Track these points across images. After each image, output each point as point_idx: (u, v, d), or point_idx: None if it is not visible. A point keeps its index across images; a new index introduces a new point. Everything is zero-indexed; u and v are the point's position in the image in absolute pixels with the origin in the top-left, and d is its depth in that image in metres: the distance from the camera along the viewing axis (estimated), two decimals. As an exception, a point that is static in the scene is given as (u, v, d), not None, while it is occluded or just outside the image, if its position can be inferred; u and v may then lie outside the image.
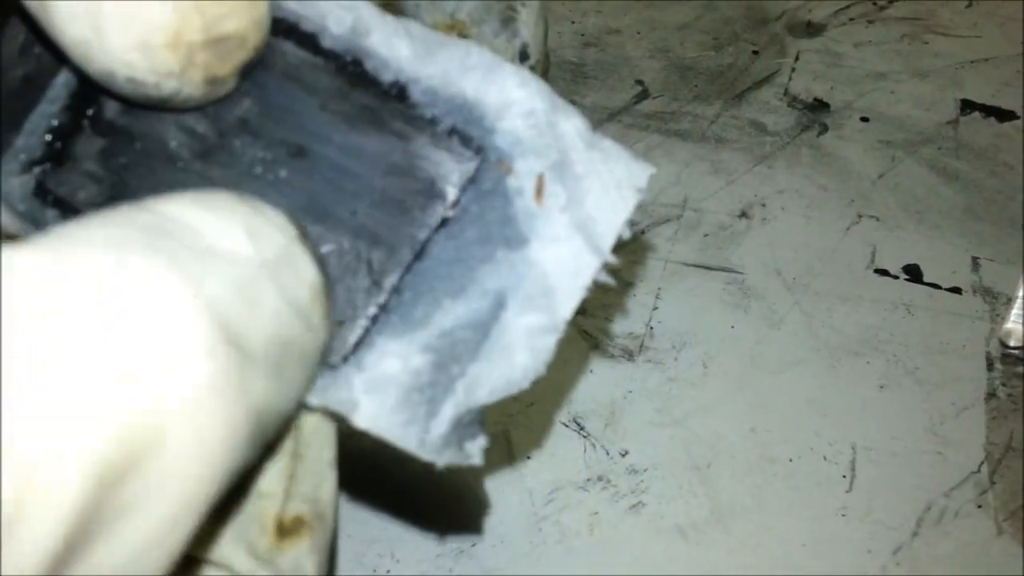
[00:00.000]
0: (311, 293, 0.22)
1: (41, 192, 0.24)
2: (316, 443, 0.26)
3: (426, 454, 0.24)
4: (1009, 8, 0.68)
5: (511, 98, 0.25)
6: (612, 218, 0.25)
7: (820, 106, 0.61)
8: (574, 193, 0.25)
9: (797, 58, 0.64)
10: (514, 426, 0.46)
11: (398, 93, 0.24)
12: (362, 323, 0.24)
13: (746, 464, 0.45)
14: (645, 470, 0.44)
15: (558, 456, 0.45)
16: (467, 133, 0.24)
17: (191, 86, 0.24)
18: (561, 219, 0.24)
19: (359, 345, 0.24)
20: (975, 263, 0.52)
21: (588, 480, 0.44)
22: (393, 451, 0.25)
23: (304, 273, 0.22)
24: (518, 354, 0.25)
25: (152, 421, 0.18)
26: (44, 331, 0.18)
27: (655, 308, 0.50)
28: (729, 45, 0.65)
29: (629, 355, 0.48)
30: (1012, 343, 0.49)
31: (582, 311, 0.50)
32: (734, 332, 0.49)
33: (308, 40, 0.25)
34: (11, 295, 0.18)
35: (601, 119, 0.60)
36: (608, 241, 0.25)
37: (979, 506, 0.43)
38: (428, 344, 0.24)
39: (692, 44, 0.65)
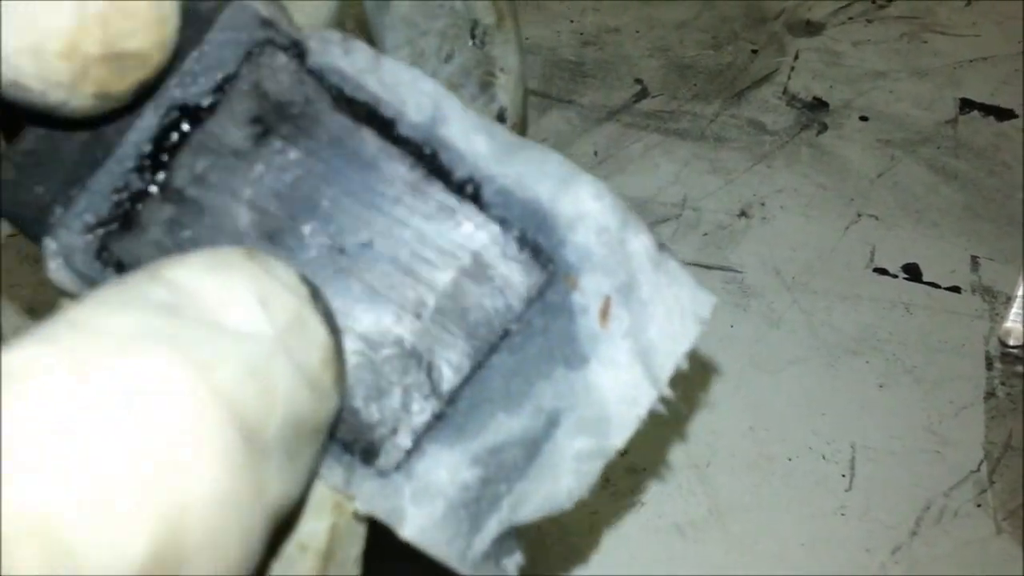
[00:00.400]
0: (323, 357, 0.21)
1: (104, 254, 0.24)
2: (349, 542, 0.25)
3: (465, 569, 0.23)
4: (1008, 7, 0.68)
5: (585, 210, 0.24)
6: (673, 348, 0.24)
7: (819, 105, 0.61)
8: (638, 318, 0.24)
9: (796, 57, 0.64)
10: (513, 425, 0.46)
11: (472, 191, 0.24)
12: (417, 431, 0.23)
13: (745, 463, 0.45)
14: (644, 469, 0.44)
15: (557, 455, 0.45)
16: (537, 242, 0.24)
17: (80, 99, 0.22)
18: (623, 344, 0.24)
19: (411, 453, 0.23)
20: (974, 262, 0.52)
21: (587, 479, 0.44)
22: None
23: (316, 336, 0.21)
24: (564, 476, 0.24)
25: (171, 538, 0.18)
26: (49, 442, 0.17)
27: (654, 307, 0.50)
28: (728, 44, 0.65)
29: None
30: (1011, 342, 0.49)
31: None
32: (733, 331, 0.49)
33: (386, 126, 0.24)
34: (11, 400, 0.17)
35: (600, 118, 0.60)
36: (667, 373, 0.24)
37: (978, 505, 0.43)
38: (478, 458, 0.23)
39: (691, 43, 0.65)
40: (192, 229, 0.24)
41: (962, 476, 0.44)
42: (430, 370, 0.24)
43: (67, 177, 0.24)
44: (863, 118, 0.60)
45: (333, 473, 0.23)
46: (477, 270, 0.24)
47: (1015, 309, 0.49)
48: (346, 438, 0.23)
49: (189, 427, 0.18)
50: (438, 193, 0.24)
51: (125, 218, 0.24)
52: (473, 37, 0.28)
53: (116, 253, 0.24)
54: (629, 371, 0.24)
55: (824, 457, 0.45)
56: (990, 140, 0.59)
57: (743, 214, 0.55)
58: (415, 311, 0.24)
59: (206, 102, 0.24)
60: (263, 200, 0.24)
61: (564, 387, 0.24)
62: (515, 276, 0.24)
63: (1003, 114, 0.61)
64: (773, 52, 0.65)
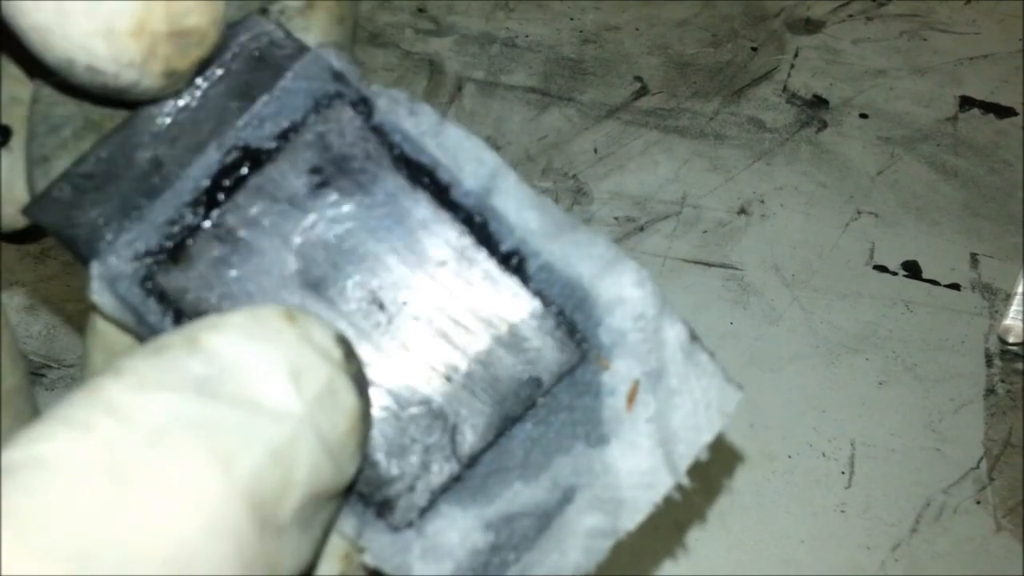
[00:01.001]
0: (349, 425, 0.21)
1: (148, 283, 0.24)
2: None
3: None
4: (1008, 5, 0.68)
5: (625, 295, 0.24)
6: (695, 439, 0.25)
7: (819, 103, 0.61)
8: (664, 406, 0.24)
9: (796, 55, 0.64)
10: (513, 423, 0.46)
11: (517, 263, 0.24)
12: (433, 491, 0.24)
13: (745, 461, 0.45)
14: (644, 467, 0.44)
15: (557, 453, 0.45)
16: (574, 321, 0.24)
17: (150, 78, 0.23)
18: (646, 429, 0.24)
19: (425, 512, 0.23)
20: (974, 259, 0.52)
21: (587, 477, 0.44)
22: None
23: (345, 404, 0.21)
24: (572, 551, 0.24)
25: None
26: (69, 527, 0.18)
27: (654, 305, 0.50)
28: (728, 42, 0.65)
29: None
30: (1011, 339, 0.49)
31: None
32: (733, 328, 0.49)
33: (441, 190, 0.24)
34: (47, 490, 0.18)
35: (600, 116, 0.60)
36: (686, 463, 0.24)
37: (978, 502, 0.43)
38: (491, 524, 0.24)
39: (691, 41, 0.65)
40: (239, 269, 0.24)
41: (962, 473, 0.44)
42: (454, 433, 0.24)
43: (123, 204, 0.24)
44: (863, 116, 0.60)
45: (347, 523, 0.23)
46: (512, 341, 0.24)
47: (1014, 306, 0.49)
48: (363, 490, 0.23)
49: (206, 519, 0.19)
50: (484, 262, 0.24)
51: (174, 251, 0.24)
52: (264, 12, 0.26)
53: (161, 283, 0.24)
54: (649, 456, 0.24)
55: (824, 454, 0.45)
56: (990, 138, 0.59)
57: (743, 211, 0.55)
58: (446, 374, 0.24)
59: (269, 147, 0.24)
60: (311, 249, 0.24)
61: (582, 464, 0.24)
62: (549, 351, 0.24)
63: (1003, 112, 0.61)
64: (773, 50, 0.65)
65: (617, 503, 0.24)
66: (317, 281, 0.24)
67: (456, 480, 0.24)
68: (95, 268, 0.24)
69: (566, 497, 0.24)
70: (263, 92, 0.24)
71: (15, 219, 0.26)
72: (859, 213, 0.55)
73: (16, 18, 0.23)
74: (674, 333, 0.24)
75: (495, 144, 0.58)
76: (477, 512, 0.24)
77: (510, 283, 0.24)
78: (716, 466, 0.44)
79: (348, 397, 0.22)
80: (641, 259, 0.52)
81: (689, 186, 0.56)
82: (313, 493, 0.21)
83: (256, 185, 0.24)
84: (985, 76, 0.63)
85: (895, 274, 0.52)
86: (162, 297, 0.24)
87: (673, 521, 0.43)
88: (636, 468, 0.24)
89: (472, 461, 0.24)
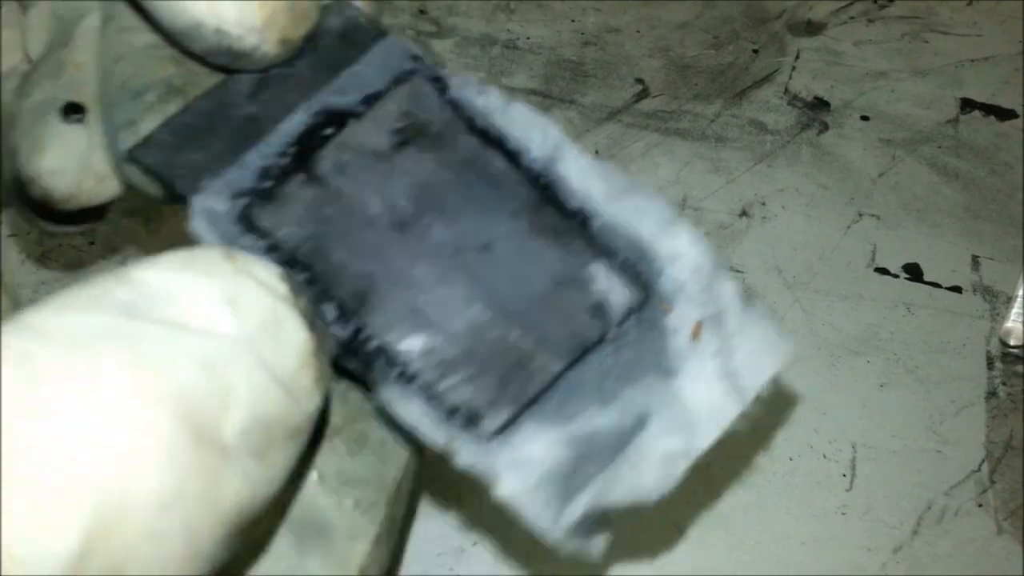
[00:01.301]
0: (299, 359, 0.22)
1: (245, 220, 0.26)
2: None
3: (554, 535, 0.26)
4: (1009, 7, 0.68)
5: (682, 251, 0.27)
6: (757, 375, 0.27)
7: (820, 105, 0.61)
8: (725, 345, 0.26)
9: (797, 57, 0.64)
10: (514, 425, 0.46)
11: (581, 221, 0.27)
12: (513, 409, 0.25)
13: (746, 462, 0.45)
14: (645, 469, 0.44)
15: (558, 455, 0.45)
16: (637, 269, 0.27)
17: (268, 45, 0.26)
18: (711, 364, 0.26)
19: (509, 426, 0.25)
20: (975, 262, 0.52)
21: (588, 479, 0.44)
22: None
23: (292, 338, 0.22)
24: (650, 471, 0.26)
25: (106, 534, 0.18)
26: None
27: (655, 307, 0.50)
28: (729, 44, 0.65)
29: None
30: (1012, 342, 0.49)
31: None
32: (734, 331, 0.49)
33: (510, 156, 0.27)
34: None
35: (601, 118, 0.60)
36: (751, 394, 0.26)
37: (979, 505, 0.43)
38: (572, 440, 0.25)
39: (692, 43, 0.65)
40: (330, 210, 0.26)
41: (963, 476, 0.44)
42: (532, 357, 0.26)
43: (220, 150, 0.27)
44: (864, 118, 0.60)
45: (437, 435, 0.25)
46: (582, 282, 0.27)
47: (1016, 309, 0.50)
48: (450, 406, 0.25)
49: (131, 425, 0.19)
50: (552, 215, 0.27)
51: (267, 193, 0.27)
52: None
53: (255, 220, 0.26)
54: (717, 386, 0.26)
55: (825, 456, 0.45)
56: (991, 140, 0.59)
57: (744, 214, 0.55)
58: (520, 308, 0.26)
59: (355, 110, 0.28)
60: (395, 195, 0.27)
61: (656, 393, 0.26)
62: (615, 291, 0.27)
63: (1004, 114, 0.61)
64: (774, 52, 0.65)
65: (689, 427, 0.26)
66: (401, 223, 0.26)
67: (536, 401, 0.25)
68: (197, 202, 0.26)
69: (640, 423, 0.26)
70: (347, 67, 0.28)
71: (92, 193, 0.29)
72: (860, 215, 0.55)
73: None
74: (729, 287, 0.27)
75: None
76: (558, 429, 0.25)
77: (578, 234, 0.27)
78: (717, 467, 0.44)
79: (296, 331, 0.22)
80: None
81: (690, 188, 0.56)
82: (263, 421, 0.21)
83: (343, 140, 0.27)
84: (986, 78, 0.63)
85: (896, 276, 0.52)
86: (257, 232, 0.26)
87: (673, 522, 0.43)
88: (704, 397, 0.26)
89: (550, 384, 0.26)
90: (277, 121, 0.27)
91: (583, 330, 0.26)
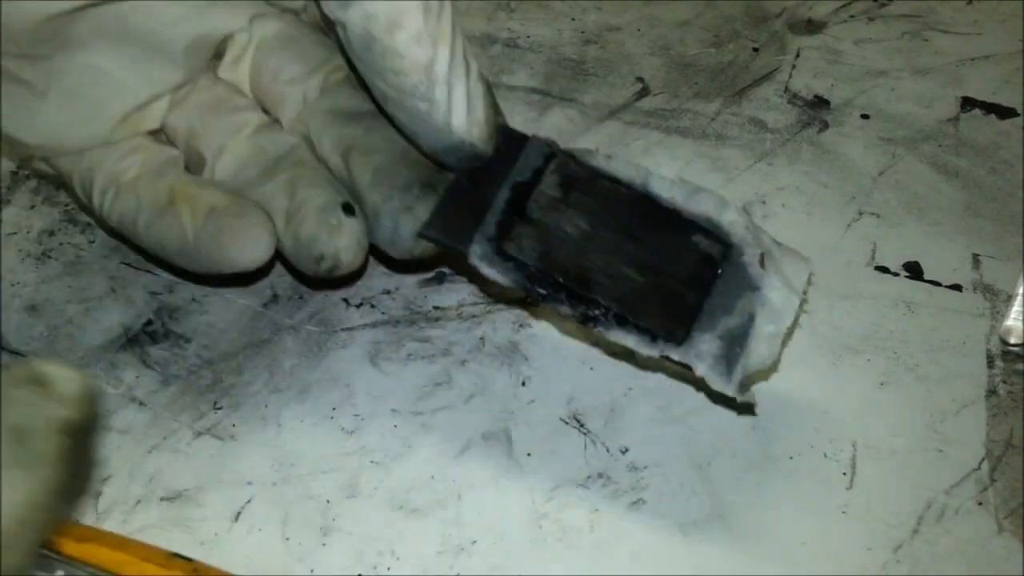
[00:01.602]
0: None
1: (501, 253, 0.42)
2: None
3: (732, 391, 0.41)
4: (1009, 5, 0.68)
5: (735, 219, 0.43)
6: (800, 279, 0.43)
7: (820, 103, 0.61)
8: (777, 266, 0.42)
9: (797, 55, 0.64)
10: (515, 423, 0.46)
11: (676, 214, 0.43)
12: (686, 325, 0.41)
13: (746, 462, 0.45)
14: (646, 467, 0.44)
15: (559, 453, 0.45)
16: (717, 233, 0.43)
17: (488, 147, 0.42)
18: (775, 278, 0.42)
19: (686, 336, 0.41)
20: (975, 260, 0.52)
21: (588, 477, 0.44)
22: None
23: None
24: (763, 346, 0.41)
25: None
26: None
27: (655, 305, 0.50)
28: (729, 42, 0.65)
29: (630, 352, 0.48)
30: (1012, 340, 0.49)
31: (582, 308, 0.50)
32: (734, 329, 0.49)
33: (625, 185, 0.43)
34: None
35: (601, 116, 0.60)
36: (801, 290, 0.42)
37: (980, 503, 0.43)
38: (722, 336, 0.41)
39: (692, 41, 0.65)
40: (543, 236, 0.42)
41: (964, 474, 0.44)
42: (683, 297, 0.42)
43: (471, 219, 0.42)
44: (864, 116, 0.60)
45: (651, 350, 0.41)
46: (692, 245, 0.43)
47: (1016, 307, 0.49)
48: (651, 331, 0.41)
49: None
50: (660, 214, 0.43)
51: (507, 235, 0.42)
52: None
53: (506, 251, 0.42)
54: (782, 291, 0.42)
55: (826, 455, 0.45)
56: (991, 138, 0.59)
57: (744, 212, 0.55)
58: (666, 268, 0.42)
59: (531, 179, 0.43)
60: (576, 221, 0.43)
61: (754, 301, 0.42)
62: (712, 248, 0.43)
63: (1004, 112, 0.61)
64: (774, 50, 0.65)
65: (776, 316, 0.42)
66: (585, 235, 0.42)
67: (695, 318, 0.41)
68: (472, 252, 0.41)
69: (750, 319, 0.41)
70: (512, 156, 0.43)
71: (352, 260, 0.43)
72: (860, 214, 0.55)
73: (432, 131, 0.41)
74: (766, 237, 0.43)
75: (496, 145, 0.58)
76: (712, 332, 0.41)
77: (678, 221, 0.43)
78: (717, 467, 0.44)
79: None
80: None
81: (690, 187, 0.56)
82: None
83: (535, 197, 0.43)
84: (987, 77, 0.63)
85: (896, 275, 0.52)
86: (509, 258, 0.42)
87: (674, 522, 0.43)
88: (778, 296, 0.42)
89: (698, 307, 0.42)
90: (495, 195, 0.42)
91: (703, 273, 0.42)
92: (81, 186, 0.46)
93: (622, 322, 0.41)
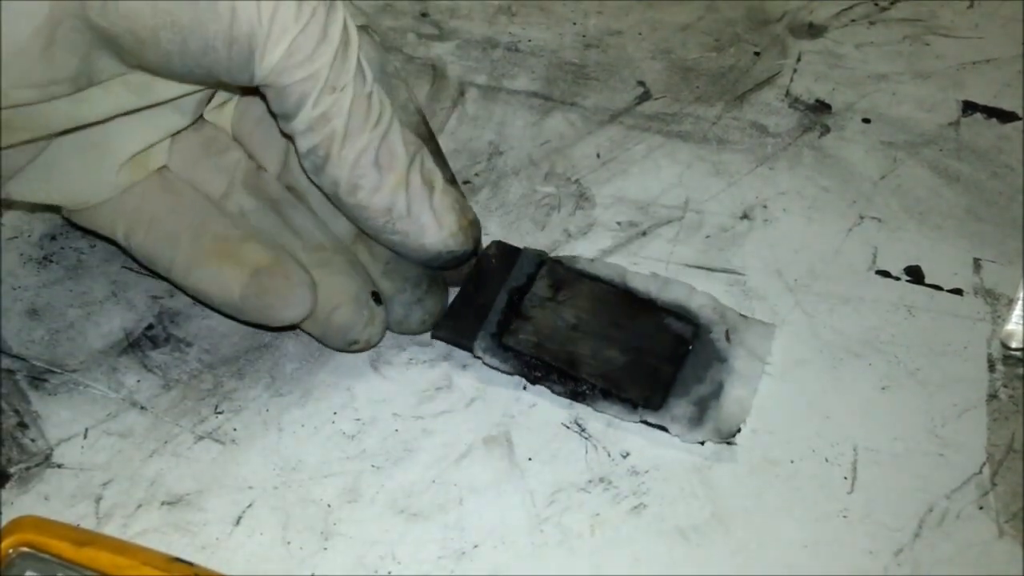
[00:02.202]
0: None
1: (501, 346, 0.47)
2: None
3: (705, 439, 0.45)
4: (1010, 9, 0.68)
5: (703, 304, 0.49)
6: (764, 346, 0.48)
7: (822, 107, 0.61)
8: (742, 338, 0.48)
9: (799, 59, 0.64)
10: (515, 428, 0.46)
11: (651, 302, 0.49)
12: (662, 395, 0.46)
13: (747, 466, 0.45)
14: (646, 472, 0.44)
15: (559, 458, 0.45)
16: (687, 316, 0.48)
17: (470, 248, 0.47)
18: (740, 349, 0.48)
19: (662, 403, 0.46)
20: (976, 264, 0.52)
21: (589, 481, 0.44)
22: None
23: None
24: (734, 407, 0.46)
25: None
26: None
27: (656, 309, 0.50)
28: (730, 46, 0.65)
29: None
30: (1013, 345, 0.49)
31: (583, 312, 0.50)
32: (735, 333, 0.49)
33: (605, 282, 0.50)
34: None
35: (603, 120, 0.60)
36: (764, 357, 0.48)
37: (980, 508, 0.43)
38: (694, 402, 0.46)
39: (694, 45, 0.65)
40: (536, 329, 0.48)
41: (964, 479, 0.44)
42: (658, 372, 0.47)
43: (477, 318, 0.48)
44: (865, 120, 0.60)
45: (631, 417, 0.46)
46: (666, 327, 0.48)
47: (1017, 312, 0.49)
48: (631, 401, 0.46)
49: None
50: (637, 304, 0.49)
51: (507, 331, 0.48)
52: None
53: (506, 344, 0.47)
54: (747, 360, 0.47)
55: (827, 460, 0.45)
56: (992, 142, 0.59)
57: (745, 216, 0.55)
58: (645, 347, 0.48)
59: (525, 284, 0.49)
60: (565, 315, 0.48)
61: (722, 371, 0.47)
62: (683, 329, 0.48)
63: (1006, 116, 0.61)
64: (775, 55, 0.65)
65: (743, 382, 0.47)
66: (574, 325, 0.48)
67: (670, 389, 0.46)
68: (477, 347, 0.47)
69: (720, 387, 0.46)
70: (510, 266, 0.50)
71: (379, 339, 0.48)
72: (862, 218, 0.55)
73: (403, 236, 0.45)
74: (731, 313, 0.49)
75: (497, 149, 0.58)
76: (686, 399, 0.46)
77: (653, 309, 0.49)
78: (718, 471, 0.44)
79: None
80: (643, 264, 0.52)
81: (692, 191, 0.56)
82: None
83: (529, 297, 0.49)
84: (988, 81, 0.63)
85: (898, 279, 0.52)
86: (509, 350, 0.47)
87: (675, 526, 0.43)
88: (743, 366, 0.47)
89: (673, 379, 0.46)
90: (495, 298, 0.48)
91: (676, 350, 0.47)
92: (111, 231, 0.48)
93: (607, 395, 0.46)
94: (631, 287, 0.49)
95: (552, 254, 0.51)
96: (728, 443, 0.45)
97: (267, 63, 0.39)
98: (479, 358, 0.47)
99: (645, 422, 0.45)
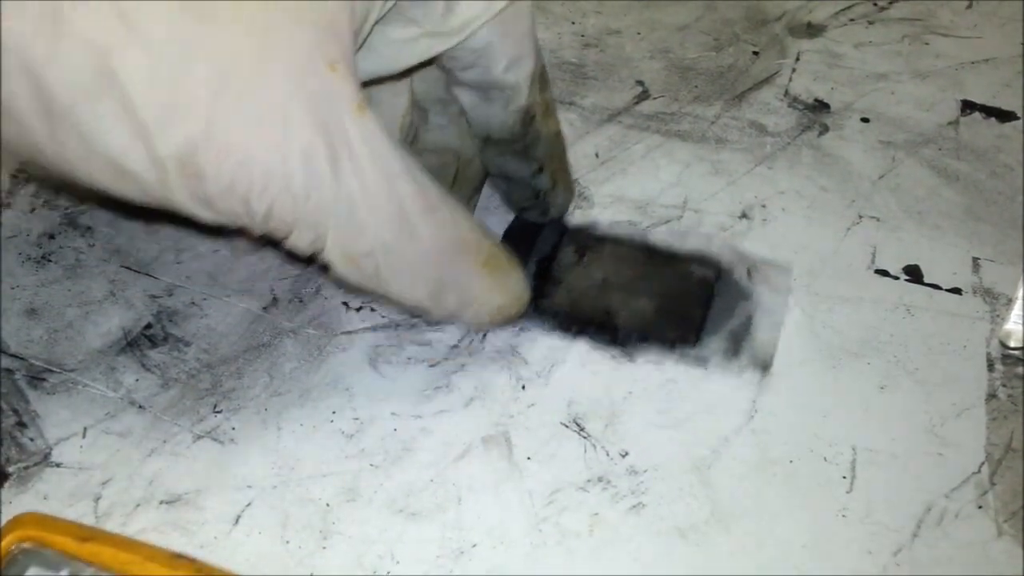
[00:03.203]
0: None
1: (538, 309, 0.50)
2: None
3: (744, 369, 0.48)
4: (1009, 9, 0.68)
5: (722, 249, 0.52)
6: (785, 281, 0.51)
7: (820, 107, 0.61)
8: (763, 276, 0.51)
9: (797, 59, 0.64)
10: (514, 427, 0.46)
11: (671, 253, 0.53)
12: (696, 333, 0.49)
13: (746, 465, 0.45)
14: (645, 471, 0.44)
15: (558, 457, 0.45)
16: (707, 262, 0.52)
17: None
18: (763, 286, 0.51)
19: (697, 340, 0.49)
20: (975, 264, 0.52)
21: (588, 481, 0.44)
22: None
23: None
24: (765, 335, 0.49)
25: None
26: None
27: (655, 309, 0.50)
28: (729, 46, 0.65)
29: (629, 356, 0.48)
30: (1012, 344, 0.49)
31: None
32: (734, 333, 0.49)
33: (625, 240, 0.53)
34: None
35: (601, 120, 0.60)
36: (787, 290, 0.51)
37: (979, 507, 0.43)
38: (726, 336, 0.49)
39: (692, 45, 0.65)
40: (573, 290, 0.51)
41: (963, 478, 0.44)
42: (689, 312, 0.50)
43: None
44: (864, 120, 0.60)
45: (670, 356, 0.49)
46: (689, 273, 0.51)
47: (1016, 311, 0.49)
48: (668, 341, 0.49)
49: None
50: (659, 254, 0.53)
51: (541, 295, 0.50)
52: None
53: (542, 307, 0.50)
54: (771, 293, 0.51)
55: (825, 459, 0.45)
56: (991, 142, 0.59)
57: (744, 216, 0.55)
58: (674, 294, 0.51)
59: (550, 253, 0.52)
60: (593, 273, 0.51)
61: (747, 307, 0.50)
62: (706, 271, 0.51)
63: (1004, 116, 0.61)
64: (774, 54, 0.65)
65: (770, 312, 0.50)
66: (603, 281, 0.51)
67: (702, 327, 0.49)
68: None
69: (749, 319, 0.50)
70: (538, 237, 0.53)
71: None
72: (860, 217, 0.55)
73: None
74: (749, 256, 0.53)
75: (496, 148, 0.58)
76: (719, 334, 0.49)
77: (673, 258, 0.52)
78: (717, 470, 0.44)
79: None
80: (642, 263, 0.52)
81: (690, 190, 0.56)
82: None
83: (556, 262, 0.52)
84: (987, 80, 0.63)
85: (896, 278, 0.52)
86: (545, 312, 0.50)
87: (674, 526, 0.43)
88: (769, 299, 0.51)
89: (703, 318, 0.50)
90: (526, 261, 0.51)
91: (702, 293, 0.50)
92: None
93: (644, 339, 0.49)
94: (650, 242, 0.53)
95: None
96: (764, 371, 0.47)
97: None
98: (520, 322, 0.49)
99: (684, 359, 0.48)
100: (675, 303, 0.50)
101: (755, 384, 0.47)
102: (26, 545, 0.36)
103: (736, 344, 0.48)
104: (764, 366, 0.48)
